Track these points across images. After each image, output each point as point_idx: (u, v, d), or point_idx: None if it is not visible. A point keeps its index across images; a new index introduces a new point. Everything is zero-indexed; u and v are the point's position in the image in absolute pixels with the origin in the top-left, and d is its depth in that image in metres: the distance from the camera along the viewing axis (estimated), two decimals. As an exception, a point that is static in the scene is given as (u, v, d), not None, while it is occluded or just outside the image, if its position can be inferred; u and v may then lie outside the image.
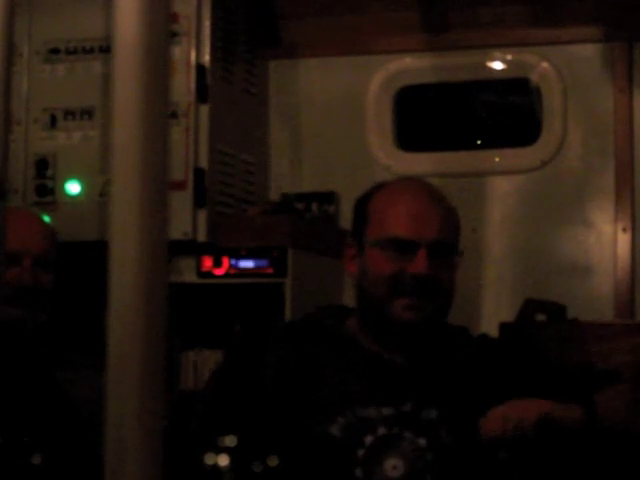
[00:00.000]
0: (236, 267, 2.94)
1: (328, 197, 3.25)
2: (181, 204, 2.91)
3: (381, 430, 1.90)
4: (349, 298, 2.50)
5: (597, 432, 1.83)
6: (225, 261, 2.95)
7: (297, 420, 1.88)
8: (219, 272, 2.95)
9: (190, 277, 2.96)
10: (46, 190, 3.02)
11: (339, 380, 1.94)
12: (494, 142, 3.38)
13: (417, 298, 1.96)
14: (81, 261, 2.66)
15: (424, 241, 1.96)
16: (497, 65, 3.24)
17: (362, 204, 2.09)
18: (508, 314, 2.89)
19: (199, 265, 2.96)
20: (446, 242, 2.00)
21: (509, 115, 3.43)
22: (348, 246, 2.08)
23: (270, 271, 2.91)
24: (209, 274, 2.95)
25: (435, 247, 1.98)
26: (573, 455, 1.86)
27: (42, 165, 3.03)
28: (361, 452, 1.89)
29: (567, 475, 1.89)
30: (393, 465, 1.89)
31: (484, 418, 1.84)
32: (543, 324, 2.82)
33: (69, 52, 3.05)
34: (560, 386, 1.94)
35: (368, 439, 1.90)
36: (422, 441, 1.90)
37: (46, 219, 2.55)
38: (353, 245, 2.06)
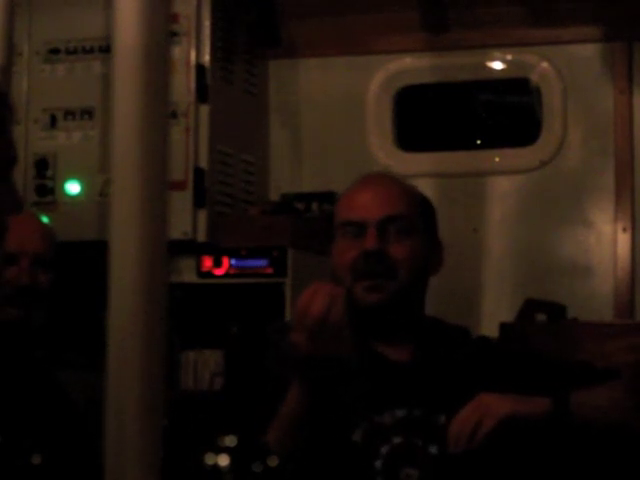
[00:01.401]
0: (236, 267, 2.94)
1: (328, 197, 3.25)
2: (181, 204, 2.91)
3: (396, 439, 1.91)
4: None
5: (567, 424, 1.83)
6: (225, 261, 2.95)
7: (320, 424, 1.86)
8: (219, 272, 2.95)
9: (190, 277, 2.96)
10: (46, 190, 3.02)
11: (348, 383, 1.93)
12: (494, 142, 3.37)
13: (375, 278, 1.96)
14: (81, 261, 2.66)
15: (372, 220, 1.99)
16: (497, 65, 3.23)
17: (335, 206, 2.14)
18: (508, 314, 2.89)
19: (199, 265, 2.96)
20: (397, 216, 2.01)
21: (509, 115, 3.43)
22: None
23: (270, 271, 2.91)
24: (209, 274, 2.95)
25: (385, 224, 1.99)
26: (541, 448, 1.87)
27: (42, 165, 3.03)
28: (378, 463, 1.90)
29: (540, 468, 1.91)
30: (407, 474, 1.90)
31: (451, 421, 1.86)
32: (543, 324, 2.82)
33: (69, 52, 3.05)
34: (552, 383, 1.94)
35: (384, 449, 1.90)
36: (433, 449, 1.91)
37: (44, 220, 2.55)
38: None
